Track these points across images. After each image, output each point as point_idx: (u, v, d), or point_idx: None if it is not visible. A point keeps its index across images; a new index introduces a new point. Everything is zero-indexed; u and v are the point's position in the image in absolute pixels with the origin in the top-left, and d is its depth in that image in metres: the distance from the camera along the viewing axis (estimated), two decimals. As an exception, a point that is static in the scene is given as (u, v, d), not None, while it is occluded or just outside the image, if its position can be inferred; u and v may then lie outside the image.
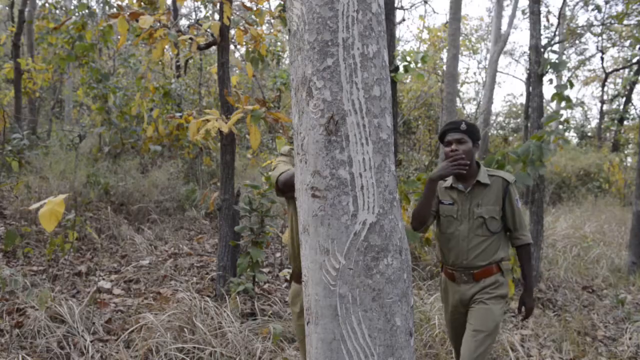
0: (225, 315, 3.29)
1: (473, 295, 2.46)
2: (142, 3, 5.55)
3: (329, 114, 1.53)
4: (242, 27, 5.38)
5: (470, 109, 20.54)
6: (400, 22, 14.25)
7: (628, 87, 17.96)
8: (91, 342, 3.01)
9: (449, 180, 2.59)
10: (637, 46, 15.76)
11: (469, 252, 2.48)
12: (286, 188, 2.17)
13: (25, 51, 10.79)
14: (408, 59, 5.23)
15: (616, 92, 20.41)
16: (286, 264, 5.08)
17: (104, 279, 4.16)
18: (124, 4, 7.15)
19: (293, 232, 2.28)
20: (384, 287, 1.52)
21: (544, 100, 5.66)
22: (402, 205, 4.82)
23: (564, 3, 11.90)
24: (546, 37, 14.88)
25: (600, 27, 16.86)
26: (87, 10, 7.25)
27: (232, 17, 4.88)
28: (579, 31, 17.61)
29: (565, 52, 19.41)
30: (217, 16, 5.59)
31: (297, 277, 2.37)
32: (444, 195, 2.58)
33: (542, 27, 6.46)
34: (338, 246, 1.51)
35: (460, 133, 2.48)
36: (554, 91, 4.85)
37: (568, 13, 17.62)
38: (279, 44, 12.39)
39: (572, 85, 4.82)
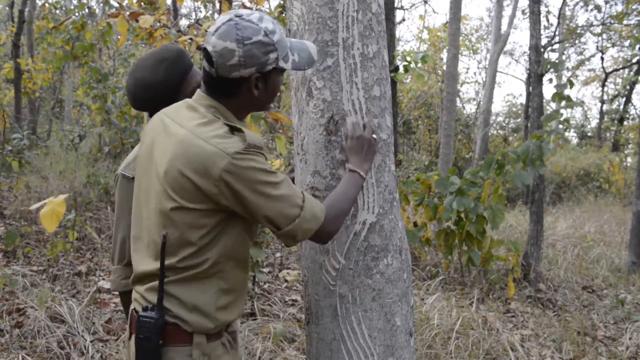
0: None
1: None
2: (142, 3, 5.55)
3: (329, 114, 1.53)
4: (242, 27, 5.37)
5: (470, 109, 20.55)
6: (400, 22, 14.25)
7: (628, 87, 17.96)
8: (91, 342, 3.00)
9: None
10: (637, 46, 15.76)
11: None
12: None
13: (25, 51, 10.79)
14: (408, 59, 5.24)
15: (616, 92, 20.42)
16: (286, 264, 5.09)
17: (104, 279, 4.16)
18: (124, 3, 7.16)
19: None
20: (384, 287, 1.52)
21: (544, 100, 5.66)
22: (402, 205, 4.83)
23: (564, 3, 11.90)
24: (546, 37, 14.89)
25: (600, 27, 16.85)
26: (86, 10, 7.25)
27: (232, 17, 4.87)
28: (578, 31, 17.61)
29: (565, 52, 19.40)
30: (217, 16, 5.59)
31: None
32: None
33: (542, 27, 6.46)
34: (338, 246, 1.51)
35: None
36: (554, 91, 4.85)
37: (568, 13, 17.63)
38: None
39: (572, 85, 4.82)
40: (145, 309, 1.27)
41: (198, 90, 1.33)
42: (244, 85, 1.27)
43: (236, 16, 1.23)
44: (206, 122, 1.25)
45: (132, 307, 1.36)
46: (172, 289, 1.26)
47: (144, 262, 1.32)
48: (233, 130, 1.25)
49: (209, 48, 1.23)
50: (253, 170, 1.20)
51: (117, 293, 3.99)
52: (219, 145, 1.19)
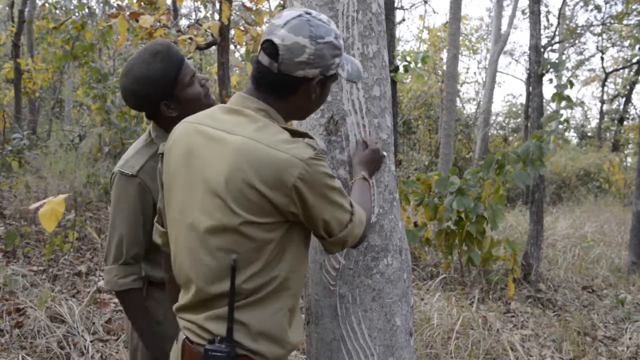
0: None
1: None
2: (142, 3, 5.55)
3: (329, 114, 1.53)
4: (241, 27, 5.38)
5: (470, 109, 20.55)
6: (400, 22, 14.24)
7: (628, 87, 17.97)
8: (91, 342, 3.00)
9: None
10: (637, 46, 15.76)
11: None
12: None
13: (25, 51, 10.79)
14: (408, 59, 5.24)
15: (616, 92, 20.43)
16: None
17: (104, 279, 4.16)
18: (124, 4, 7.15)
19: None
20: (384, 287, 1.52)
21: (544, 100, 5.66)
22: (402, 205, 4.83)
23: (564, 3, 11.90)
24: (546, 37, 14.90)
25: (600, 27, 16.86)
26: (86, 10, 7.24)
27: (231, 17, 4.88)
28: (578, 31, 17.61)
29: (565, 52, 19.40)
30: (217, 16, 5.60)
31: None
32: None
33: (542, 27, 6.46)
34: (338, 246, 1.51)
35: None
36: (554, 91, 4.86)
37: (568, 13, 17.63)
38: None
39: (571, 85, 4.83)
40: (212, 341, 1.15)
41: (237, 93, 1.23)
42: (302, 86, 1.18)
43: (306, 13, 1.16)
44: (262, 126, 1.15)
45: (182, 336, 1.24)
46: (240, 315, 1.15)
47: (198, 287, 1.19)
48: (294, 135, 1.16)
49: (277, 41, 1.13)
50: (323, 175, 1.14)
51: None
52: (290, 151, 1.10)
